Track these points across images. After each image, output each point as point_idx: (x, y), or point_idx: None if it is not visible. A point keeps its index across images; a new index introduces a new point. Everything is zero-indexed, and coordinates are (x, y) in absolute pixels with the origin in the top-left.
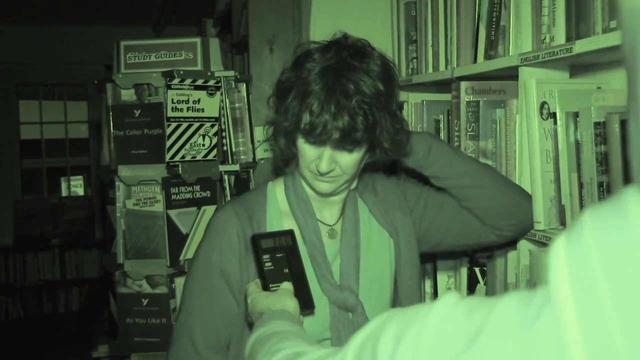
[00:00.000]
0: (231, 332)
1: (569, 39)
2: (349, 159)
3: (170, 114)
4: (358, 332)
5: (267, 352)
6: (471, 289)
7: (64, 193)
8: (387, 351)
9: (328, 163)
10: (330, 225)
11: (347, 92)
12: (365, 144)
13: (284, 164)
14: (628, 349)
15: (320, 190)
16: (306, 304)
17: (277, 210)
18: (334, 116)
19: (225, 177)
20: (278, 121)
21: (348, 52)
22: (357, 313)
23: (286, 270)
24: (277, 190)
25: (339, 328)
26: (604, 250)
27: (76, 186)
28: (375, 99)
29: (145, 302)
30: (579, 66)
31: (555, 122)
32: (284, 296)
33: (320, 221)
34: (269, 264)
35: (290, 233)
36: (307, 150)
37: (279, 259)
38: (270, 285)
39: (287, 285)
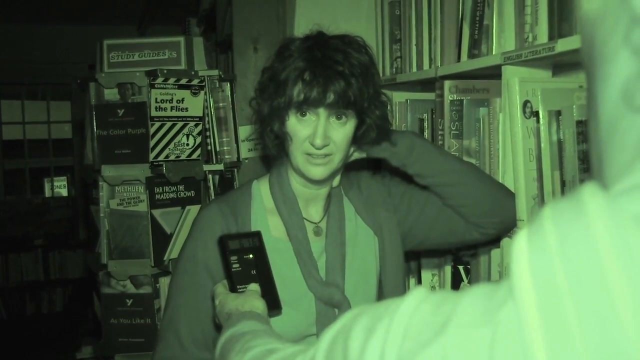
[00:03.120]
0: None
1: (551, 37)
2: (342, 133)
3: (153, 113)
4: (328, 328)
5: (240, 351)
6: (455, 287)
7: (48, 194)
8: (358, 345)
9: (322, 136)
10: (316, 223)
11: (337, 60)
12: (355, 115)
13: (278, 150)
14: (583, 332)
15: (313, 176)
16: (273, 304)
17: (262, 208)
18: (328, 79)
19: (210, 176)
20: (265, 109)
21: (328, 36)
22: (343, 309)
23: (253, 272)
24: (261, 189)
25: (325, 324)
26: (562, 239)
27: (60, 187)
28: (363, 69)
29: (129, 302)
30: (561, 65)
31: (538, 121)
32: (252, 297)
33: (305, 219)
34: (237, 265)
35: (257, 234)
36: (299, 130)
37: (246, 260)
38: (238, 286)
39: (254, 287)
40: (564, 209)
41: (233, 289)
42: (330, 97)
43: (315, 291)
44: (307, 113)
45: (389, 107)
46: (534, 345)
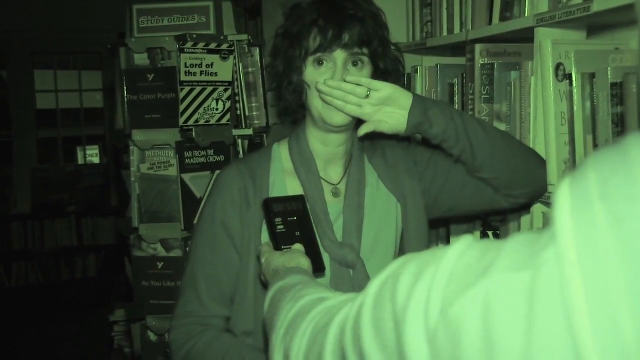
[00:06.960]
0: (235, 284)
1: None
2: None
3: (183, 77)
4: (377, 275)
5: (292, 299)
6: None
7: (80, 161)
8: (406, 289)
9: (340, 77)
10: (334, 184)
11: (348, 6)
12: (370, 61)
13: (297, 103)
14: (624, 273)
15: (334, 122)
16: (317, 266)
17: (281, 169)
18: (342, 22)
19: (239, 141)
20: (281, 65)
21: None
22: (357, 270)
23: (297, 233)
24: (281, 150)
25: (339, 284)
26: (603, 183)
27: (92, 155)
28: (373, 14)
29: (159, 265)
30: (596, 26)
31: (570, 84)
32: (297, 255)
33: (324, 179)
34: (281, 226)
35: (301, 198)
36: (317, 77)
37: (290, 222)
38: (282, 246)
39: (298, 246)
40: (607, 156)
41: (277, 248)
42: (346, 37)
43: (330, 251)
44: (324, 61)
45: (401, 56)
46: (573, 287)
